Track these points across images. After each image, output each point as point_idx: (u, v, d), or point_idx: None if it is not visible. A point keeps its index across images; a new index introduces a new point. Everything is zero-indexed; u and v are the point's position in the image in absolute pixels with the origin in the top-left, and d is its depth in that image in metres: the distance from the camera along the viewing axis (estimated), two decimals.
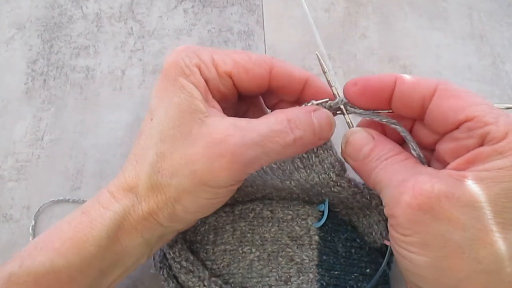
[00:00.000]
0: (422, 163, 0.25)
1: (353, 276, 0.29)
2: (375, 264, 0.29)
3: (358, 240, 0.30)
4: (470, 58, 0.42)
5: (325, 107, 0.26)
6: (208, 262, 0.30)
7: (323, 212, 0.30)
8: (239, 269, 0.30)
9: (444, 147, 0.24)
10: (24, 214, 0.36)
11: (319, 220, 0.30)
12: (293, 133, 0.24)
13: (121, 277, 0.27)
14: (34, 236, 0.35)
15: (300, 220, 0.30)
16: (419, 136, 0.27)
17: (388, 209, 0.23)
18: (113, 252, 0.25)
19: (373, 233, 0.30)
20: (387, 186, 0.23)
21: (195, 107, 0.24)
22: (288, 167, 0.28)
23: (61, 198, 0.36)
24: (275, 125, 0.24)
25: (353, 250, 0.30)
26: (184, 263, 0.28)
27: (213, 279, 0.29)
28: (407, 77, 0.25)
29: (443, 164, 0.24)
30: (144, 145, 0.25)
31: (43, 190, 0.37)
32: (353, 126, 0.27)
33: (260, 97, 0.30)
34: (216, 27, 0.44)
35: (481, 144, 0.22)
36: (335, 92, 0.27)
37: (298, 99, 0.28)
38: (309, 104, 0.26)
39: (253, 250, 0.30)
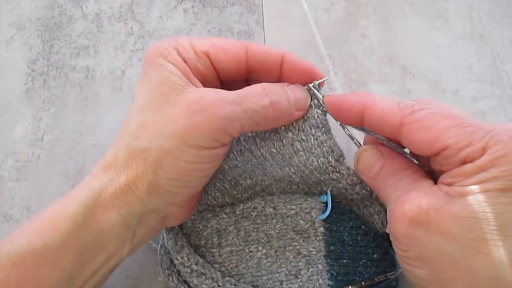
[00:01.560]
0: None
1: (361, 263, 0.30)
2: (381, 248, 0.30)
3: (363, 227, 0.30)
4: (470, 58, 0.42)
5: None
6: (215, 265, 0.30)
7: (326, 203, 0.30)
8: (248, 269, 0.30)
9: (435, 167, 0.25)
10: (24, 214, 0.36)
11: (323, 212, 0.30)
12: (269, 96, 0.26)
13: (106, 266, 0.26)
14: None
15: (304, 214, 0.30)
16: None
17: (389, 225, 0.24)
18: (90, 232, 0.24)
19: (374, 223, 0.30)
20: (389, 202, 0.24)
21: (173, 80, 0.25)
22: (287, 151, 0.28)
23: None
24: (251, 89, 0.26)
25: (359, 237, 0.30)
26: (194, 267, 0.28)
27: (227, 278, 0.29)
28: (372, 110, 0.25)
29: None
30: (124, 122, 0.26)
31: (43, 190, 0.37)
32: (346, 128, 0.28)
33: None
34: (216, 27, 0.44)
35: (463, 163, 0.22)
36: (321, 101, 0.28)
37: (279, 79, 0.29)
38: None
39: (260, 248, 0.30)
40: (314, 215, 0.30)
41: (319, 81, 0.28)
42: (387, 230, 0.24)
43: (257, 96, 0.26)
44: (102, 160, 0.26)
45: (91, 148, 0.39)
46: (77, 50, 0.43)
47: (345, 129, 0.28)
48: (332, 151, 0.28)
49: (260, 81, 0.27)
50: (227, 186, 0.30)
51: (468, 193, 0.21)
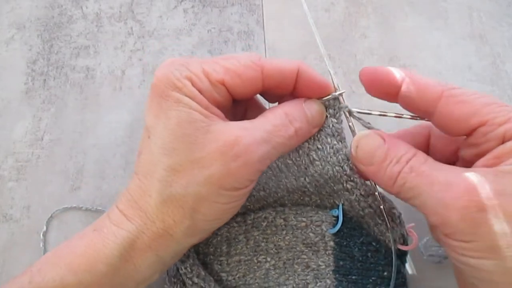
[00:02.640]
0: None
1: (371, 280, 0.29)
2: (392, 266, 0.29)
3: (374, 243, 0.29)
4: (470, 58, 0.42)
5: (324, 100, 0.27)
6: (223, 274, 0.30)
7: (337, 217, 0.30)
8: (256, 279, 0.30)
9: (467, 153, 0.24)
10: (24, 214, 0.36)
11: (334, 226, 0.30)
12: (293, 125, 0.25)
13: None
14: (45, 242, 0.35)
15: (314, 226, 0.30)
16: (439, 147, 0.27)
17: (438, 217, 0.22)
18: (125, 271, 0.24)
19: (386, 241, 0.30)
20: (428, 190, 0.22)
21: (195, 117, 0.23)
22: (303, 161, 0.28)
23: (74, 205, 0.36)
24: (276, 120, 0.25)
25: (369, 254, 0.29)
26: (195, 279, 0.28)
27: None
28: (414, 79, 0.24)
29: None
30: (147, 163, 0.24)
31: (43, 190, 0.37)
32: (354, 131, 0.27)
33: (255, 97, 0.30)
34: (216, 27, 0.44)
35: (502, 142, 0.22)
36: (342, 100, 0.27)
37: (294, 90, 0.28)
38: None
39: (268, 259, 0.30)
40: (324, 229, 0.30)
41: (338, 93, 0.27)
42: (431, 223, 0.22)
43: (283, 128, 0.25)
44: (127, 196, 0.25)
45: (91, 148, 0.38)
46: (77, 50, 0.43)
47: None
48: (348, 159, 0.27)
49: (274, 94, 0.28)
50: None
51: None
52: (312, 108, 0.27)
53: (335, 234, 0.30)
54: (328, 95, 0.27)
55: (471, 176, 0.21)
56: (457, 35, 0.43)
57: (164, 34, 0.43)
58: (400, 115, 0.27)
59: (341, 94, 0.27)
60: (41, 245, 0.35)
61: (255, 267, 0.30)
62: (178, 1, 0.45)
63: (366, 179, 0.28)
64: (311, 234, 0.30)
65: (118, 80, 0.41)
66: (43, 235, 0.35)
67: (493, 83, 0.41)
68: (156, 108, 0.24)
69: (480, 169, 0.22)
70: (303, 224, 0.30)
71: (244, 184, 0.25)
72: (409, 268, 0.30)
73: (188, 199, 0.24)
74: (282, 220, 0.30)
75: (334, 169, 0.27)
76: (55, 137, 0.39)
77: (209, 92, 0.24)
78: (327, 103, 0.27)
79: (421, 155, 0.24)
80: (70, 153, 0.38)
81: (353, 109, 0.27)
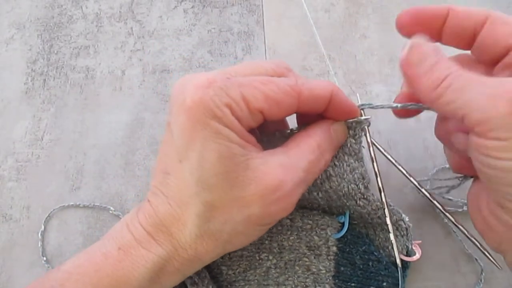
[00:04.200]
0: None
1: None
2: (392, 278, 0.29)
3: (375, 253, 0.30)
4: None
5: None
6: (223, 267, 0.30)
7: (342, 223, 0.30)
8: (255, 276, 0.30)
9: (501, 70, 0.25)
10: (24, 214, 0.36)
11: (339, 231, 0.30)
12: (324, 157, 0.26)
13: None
14: (43, 242, 0.35)
15: (319, 230, 0.30)
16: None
17: (481, 113, 0.21)
18: None
19: (389, 248, 0.30)
20: (476, 88, 0.21)
21: (235, 151, 0.23)
22: (320, 176, 0.28)
23: (72, 203, 0.36)
24: (310, 156, 0.25)
25: (370, 263, 0.29)
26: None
27: None
28: (459, 7, 0.26)
29: None
30: (180, 190, 0.24)
31: (43, 190, 0.37)
32: (374, 145, 0.29)
33: None
34: (216, 27, 0.44)
35: None
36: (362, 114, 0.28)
37: (322, 112, 0.28)
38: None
39: (270, 257, 0.30)
40: (329, 233, 0.30)
41: (364, 117, 0.28)
42: (469, 123, 0.21)
43: (317, 163, 0.26)
44: (153, 217, 0.24)
45: (91, 148, 0.38)
46: (77, 50, 0.43)
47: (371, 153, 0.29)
48: (363, 178, 0.28)
49: (302, 114, 0.28)
50: None
51: None
52: (338, 132, 0.27)
53: (338, 240, 0.30)
54: (354, 117, 0.28)
55: None
56: None
57: (164, 34, 0.43)
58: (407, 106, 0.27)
59: (367, 119, 0.28)
60: (39, 245, 0.35)
61: (256, 264, 0.30)
62: (178, 1, 0.45)
63: (409, 81, 0.26)
64: (315, 237, 0.30)
65: (118, 80, 0.41)
66: (41, 234, 0.35)
67: None
68: (191, 133, 0.23)
69: None
70: (309, 226, 0.30)
71: (278, 220, 0.26)
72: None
73: (224, 233, 0.24)
74: (288, 221, 0.30)
75: (349, 186, 0.28)
76: (55, 137, 0.39)
77: (246, 120, 0.24)
78: (349, 124, 0.28)
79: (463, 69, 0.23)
80: (70, 153, 0.38)
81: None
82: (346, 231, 0.30)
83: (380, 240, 0.31)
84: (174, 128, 0.23)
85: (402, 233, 0.30)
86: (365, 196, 0.28)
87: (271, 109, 0.24)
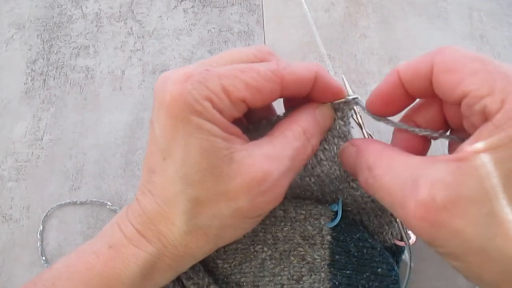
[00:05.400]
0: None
1: (364, 276, 0.29)
2: (386, 264, 0.30)
3: (370, 240, 0.30)
4: None
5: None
6: (219, 261, 0.30)
7: (336, 212, 0.30)
8: (251, 268, 0.30)
9: (466, 126, 0.23)
10: (24, 214, 0.36)
11: (332, 220, 0.30)
12: (310, 143, 0.25)
13: None
14: (42, 242, 0.35)
15: (312, 219, 0.30)
16: (451, 114, 0.25)
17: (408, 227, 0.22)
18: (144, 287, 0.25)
19: (384, 233, 0.30)
20: (391, 205, 0.22)
21: (218, 145, 0.22)
22: (310, 161, 0.28)
23: (68, 201, 0.36)
24: (296, 142, 0.25)
25: (365, 250, 0.30)
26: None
27: (212, 287, 0.29)
28: (407, 66, 0.24)
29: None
30: (165, 188, 0.24)
31: (43, 190, 0.37)
32: (363, 128, 0.28)
33: None
34: (216, 27, 0.44)
35: (485, 118, 0.19)
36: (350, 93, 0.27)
37: (308, 94, 0.27)
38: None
39: (265, 249, 0.30)
40: (323, 222, 0.30)
41: (351, 97, 0.27)
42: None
43: (303, 149, 0.25)
44: (142, 216, 0.24)
45: (91, 148, 0.38)
46: (77, 50, 0.43)
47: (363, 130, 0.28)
48: None
49: (286, 98, 0.27)
50: None
51: (480, 165, 0.18)
52: (324, 115, 0.27)
53: (332, 229, 0.30)
54: (341, 98, 0.27)
55: (423, 186, 0.20)
56: (457, 35, 0.43)
57: (164, 34, 0.43)
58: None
59: (354, 99, 0.27)
60: (38, 245, 0.35)
61: (252, 256, 0.30)
62: (178, 1, 0.45)
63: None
64: (309, 227, 0.30)
65: (118, 80, 0.41)
66: (40, 234, 0.35)
67: None
68: (172, 130, 0.22)
69: (440, 167, 0.20)
70: (302, 216, 0.30)
71: (268, 211, 0.25)
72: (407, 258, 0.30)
73: (213, 228, 0.24)
74: (281, 212, 0.30)
75: (341, 169, 0.28)
76: (55, 137, 0.39)
77: (229, 111, 0.23)
78: (336, 106, 0.27)
79: (385, 157, 0.23)
80: (70, 153, 0.38)
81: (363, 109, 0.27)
82: (340, 220, 0.30)
83: (374, 226, 0.31)
84: (156, 126, 0.23)
85: (396, 218, 0.30)
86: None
87: (254, 97, 0.23)
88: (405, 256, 0.31)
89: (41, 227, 0.35)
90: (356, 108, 0.27)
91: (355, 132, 0.28)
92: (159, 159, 0.23)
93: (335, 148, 0.27)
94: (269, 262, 0.30)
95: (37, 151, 0.39)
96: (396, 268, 0.30)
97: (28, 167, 0.38)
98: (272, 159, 0.23)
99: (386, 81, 0.26)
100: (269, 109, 0.30)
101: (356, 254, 0.30)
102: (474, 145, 0.19)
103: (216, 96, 0.22)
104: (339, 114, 0.27)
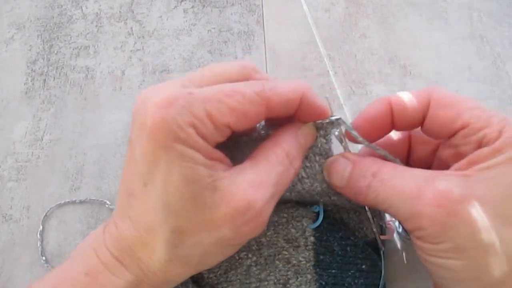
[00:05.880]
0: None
1: (349, 273, 0.30)
2: (369, 260, 0.30)
3: (352, 238, 0.30)
4: (470, 58, 0.42)
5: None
6: (204, 272, 0.30)
7: (317, 213, 0.30)
8: (237, 276, 0.30)
9: (445, 153, 0.25)
10: (24, 214, 0.36)
11: (314, 221, 0.30)
12: (293, 166, 0.25)
13: None
14: (42, 242, 0.35)
15: (295, 222, 0.30)
16: (418, 147, 0.28)
17: (411, 223, 0.23)
18: None
19: (364, 228, 0.31)
20: (400, 199, 0.23)
21: (201, 174, 0.21)
22: None
23: (68, 200, 0.36)
24: (279, 167, 0.24)
25: (348, 248, 0.30)
26: None
27: None
28: (400, 98, 0.25)
29: (445, 169, 0.24)
30: (146, 215, 0.23)
31: (43, 190, 0.37)
32: (345, 142, 0.28)
33: None
34: (216, 27, 0.44)
35: (479, 147, 0.23)
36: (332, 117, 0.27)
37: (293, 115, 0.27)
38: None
39: (250, 255, 0.30)
40: (305, 224, 0.30)
41: (335, 117, 0.27)
42: (406, 228, 0.24)
43: (286, 173, 0.24)
44: (119, 241, 0.23)
45: (91, 148, 0.38)
46: (77, 50, 0.43)
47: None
48: None
49: (271, 118, 0.26)
50: None
51: (489, 175, 0.22)
52: (307, 135, 0.26)
53: (315, 229, 0.30)
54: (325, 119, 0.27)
55: (441, 182, 0.22)
56: (457, 35, 0.43)
57: (164, 34, 0.43)
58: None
59: (338, 119, 0.26)
60: (38, 245, 0.35)
61: (237, 264, 0.30)
62: (178, 1, 0.45)
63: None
64: (292, 230, 0.30)
65: (118, 80, 0.41)
66: (39, 234, 0.35)
67: (493, 83, 0.41)
68: (154, 155, 0.21)
69: (450, 173, 0.23)
70: (284, 219, 0.30)
71: (252, 238, 0.25)
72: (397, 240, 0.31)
73: (195, 256, 0.23)
74: None
75: (322, 186, 0.28)
76: (55, 137, 0.39)
77: (212, 137, 0.22)
78: (320, 125, 0.27)
79: (389, 166, 0.25)
80: (70, 153, 0.38)
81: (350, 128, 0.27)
82: (322, 220, 0.30)
83: (354, 222, 0.31)
84: (136, 150, 0.22)
85: (375, 214, 0.30)
86: (338, 191, 0.28)
87: (239, 121, 0.23)
88: (396, 241, 0.31)
89: (41, 227, 0.35)
90: (341, 128, 0.27)
91: (334, 149, 0.28)
92: (139, 184, 0.22)
93: (316, 165, 0.27)
94: (254, 268, 0.30)
95: (37, 151, 0.39)
96: (379, 263, 0.30)
97: (28, 167, 0.38)
98: (256, 187, 0.23)
99: (375, 108, 0.26)
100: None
101: (340, 252, 0.30)
102: (481, 164, 0.22)
103: (200, 122, 0.21)
104: (321, 132, 0.27)
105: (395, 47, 0.42)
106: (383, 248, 0.30)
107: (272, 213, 0.30)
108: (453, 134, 0.24)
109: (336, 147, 0.28)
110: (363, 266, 0.30)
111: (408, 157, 0.29)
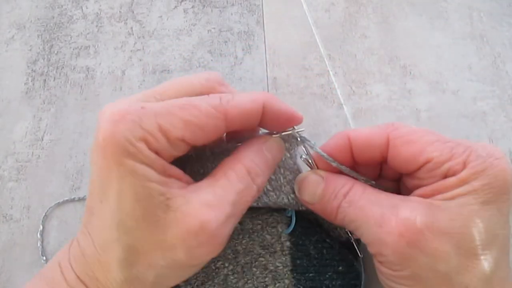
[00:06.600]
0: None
1: (327, 276, 0.30)
2: (346, 261, 0.30)
3: (328, 240, 0.30)
4: (470, 58, 0.42)
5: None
6: (181, 284, 0.29)
7: (291, 217, 0.30)
8: (214, 286, 0.29)
9: (410, 182, 0.25)
10: (24, 214, 0.36)
11: (288, 226, 0.30)
12: (256, 183, 0.24)
13: None
14: (42, 242, 0.35)
15: (270, 228, 0.30)
16: (385, 173, 0.28)
17: (374, 248, 0.23)
18: None
19: (338, 228, 0.31)
20: (365, 224, 0.23)
21: (154, 191, 0.21)
22: None
23: (66, 198, 0.36)
24: (239, 185, 0.23)
25: (324, 251, 0.30)
26: None
27: None
28: (358, 133, 0.25)
29: (410, 193, 0.25)
30: (101, 231, 0.22)
31: (43, 190, 0.37)
32: (312, 162, 0.27)
33: None
34: (216, 27, 0.44)
35: (444, 177, 0.23)
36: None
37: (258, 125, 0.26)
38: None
39: (226, 264, 0.30)
40: (280, 229, 0.30)
41: (297, 130, 0.26)
42: (369, 251, 0.24)
43: (247, 191, 0.23)
44: (83, 259, 0.23)
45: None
46: (77, 50, 0.43)
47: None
48: None
49: (234, 131, 0.25)
50: None
51: (451, 205, 0.22)
52: (273, 150, 0.25)
53: (290, 234, 0.30)
54: (291, 128, 0.26)
55: (404, 210, 0.22)
56: (457, 35, 0.43)
57: (164, 34, 0.43)
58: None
59: (298, 132, 0.26)
60: (38, 245, 0.35)
61: (213, 274, 0.30)
62: (178, 1, 0.45)
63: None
64: (267, 236, 0.30)
65: (118, 80, 0.41)
66: (40, 234, 0.35)
67: (493, 83, 0.41)
68: (106, 172, 0.21)
69: (415, 200, 0.23)
70: (259, 226, 0.30)
71: (209, 260, 0.24)
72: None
73: (151, 277, 0.22)
74: (238, 225, 0.30)
75: (289, 197, 0.28)
76: (55, 137, 0.39)
77: (167, 152, 0.21)
78: (285, 137, 0.27)
79: (359, 187, 0.25)
80: (70, 153, 0.38)
81: (313, 146, 0.26)
82: (296, 224, 0.30)
83: (327, 223, 0.31)
84: (92, 166, 0.22)
85: None
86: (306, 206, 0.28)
87: (195, 135, 0.22)
88: None
89: (41, 227, 0.35)
90: (307, 148, 0.27)
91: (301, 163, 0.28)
92: (97, 200, 0.22)
93: (281, 178, 0.27)
94: (232, 277, 0.30)
95: (38, 151, 0.39)
96: (355, 263, 0.30)
97: (28, 167, 0.38)
98: (211, 207, 0.22)
99: (334, 143, 0.26)
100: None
101: (316, 256, 0.30)
102: (445, 194, 0.22)
103: (151, 136, 0.21)
104: (286, 145, 0.27)
105: (395, 47, 0.42)
106: (361, 255, 0.30)
107: (246, 221, 0.30)
108: (417, 169, 0.24)
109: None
110: (340, 268, 0.30)
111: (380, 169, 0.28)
